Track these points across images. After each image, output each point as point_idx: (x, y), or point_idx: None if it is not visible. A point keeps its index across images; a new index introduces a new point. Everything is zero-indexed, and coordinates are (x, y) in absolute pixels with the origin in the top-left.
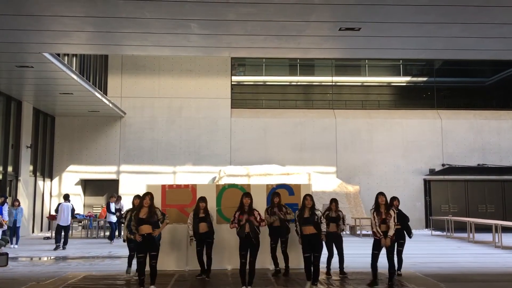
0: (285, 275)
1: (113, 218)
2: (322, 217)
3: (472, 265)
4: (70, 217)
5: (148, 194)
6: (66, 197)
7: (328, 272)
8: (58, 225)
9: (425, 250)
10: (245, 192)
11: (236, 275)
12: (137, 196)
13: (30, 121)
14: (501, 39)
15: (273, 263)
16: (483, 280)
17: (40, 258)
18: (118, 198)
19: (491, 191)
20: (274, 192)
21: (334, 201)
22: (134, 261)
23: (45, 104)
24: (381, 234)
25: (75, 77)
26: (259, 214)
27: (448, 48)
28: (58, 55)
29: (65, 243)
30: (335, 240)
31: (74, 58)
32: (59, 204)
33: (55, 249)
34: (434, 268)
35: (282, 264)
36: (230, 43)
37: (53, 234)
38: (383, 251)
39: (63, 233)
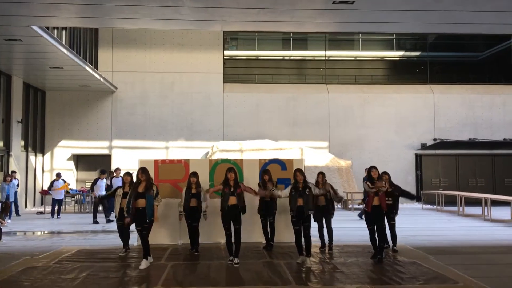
0: (268, 250)
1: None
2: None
3: (461, 238)
4: (104, 191)
5: (140, 169)
6: (103, 172)
7: (322, 245)
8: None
9: (415, 224)
10: (229, 167)
11: None
12: (127, 174)
13: (21, 96)
14: (496, 12)
15: (264, 238)
16: (471, 253)
17: (33, 233)
18: (117, 171)
19: (482, 165)
20: (263, 169)
21: (321, 174)
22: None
23: (35, 78)
24: (373, 189)
25: (65, 51)
26: (245, 186)
27: (443, 22)
28: (48, 28)
29: (108, 214)
30: (325, 215)
31: (64, 32)
32: (96, 179)
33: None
34: (424, 241)
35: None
36: (223, 17)
37: (47, 209)
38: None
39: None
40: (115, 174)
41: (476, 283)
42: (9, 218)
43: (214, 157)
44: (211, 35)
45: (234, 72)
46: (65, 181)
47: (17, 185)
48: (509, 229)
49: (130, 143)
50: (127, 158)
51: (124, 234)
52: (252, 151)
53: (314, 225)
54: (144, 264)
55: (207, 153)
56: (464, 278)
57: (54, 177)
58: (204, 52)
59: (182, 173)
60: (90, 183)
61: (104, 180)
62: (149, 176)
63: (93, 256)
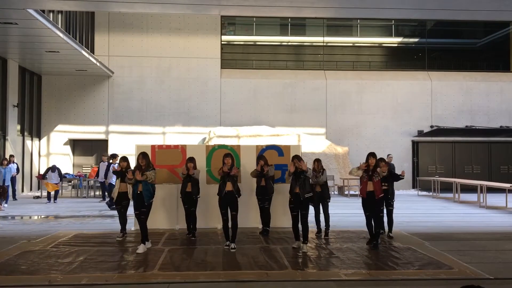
0: (265, 235)
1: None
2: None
3: (457, 224)
4: (103, 175)
5: (141, 154)
6: (114, 156)
7: (318, 231)
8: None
9: (411, 210)
10: (226, 153)
11: None
12: (122, 158)
13: (16, 80)
14: None
15: (261, 222)
16: (466, 239)
17: (30, 217)
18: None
19: (478, 152)
20: (258, 156)
21: (317, 161)
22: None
23: (31, 62)
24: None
25: (61, 34)
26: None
27: (442, 8)
28: (43, 11)
29: (104, 198)
30: (322, 201)
31: (60, 15)
32: (109, 164)
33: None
34: (419, 227)
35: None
36: (220, 1)
37: (43, 193)
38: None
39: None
40: (103, 160)
41: (470, 269)
42: (6, 203)
43: (211, 143)
44: (209, 20)
45: (232, 58)
46: (59, 181)
47: (17, 169)
48: (504, 216)
49: (127, 128)
50: (124, 143)
51: (123, 218)
52: (249, 137)
53: (311, 211)
54: (141, 249)
55: (204, 138)
56: (458, 264)
57: (51, 165)
58: (202, 37)
59: (179, 159)
60: (87, 168)
61: (116, 164)
62: (149, 161)
63: (90, 241)
